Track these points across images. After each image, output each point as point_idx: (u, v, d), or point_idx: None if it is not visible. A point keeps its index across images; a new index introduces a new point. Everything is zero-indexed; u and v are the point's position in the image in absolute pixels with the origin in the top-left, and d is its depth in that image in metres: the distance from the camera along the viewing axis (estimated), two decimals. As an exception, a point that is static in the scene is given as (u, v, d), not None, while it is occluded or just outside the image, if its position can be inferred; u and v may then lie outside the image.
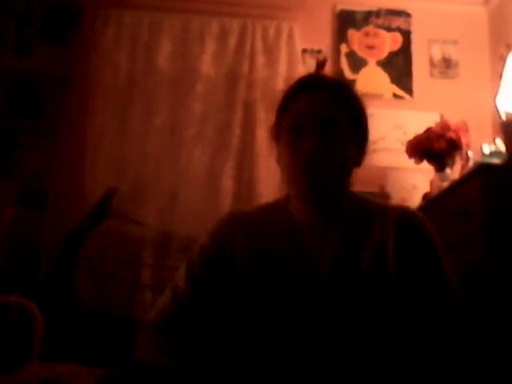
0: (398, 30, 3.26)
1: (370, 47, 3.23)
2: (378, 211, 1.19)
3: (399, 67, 3.20)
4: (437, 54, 3.25)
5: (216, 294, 1.16)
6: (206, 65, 3.08)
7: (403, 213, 1.19)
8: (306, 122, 1.14)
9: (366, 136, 1.26)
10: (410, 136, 2.74)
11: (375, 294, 1.09)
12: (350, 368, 1.06)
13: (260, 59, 3.08)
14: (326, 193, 1.15)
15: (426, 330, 1.08)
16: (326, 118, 1.14)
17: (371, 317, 1.08)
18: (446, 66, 3.23)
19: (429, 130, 2.63)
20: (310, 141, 1.12)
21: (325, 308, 1.09)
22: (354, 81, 3.16)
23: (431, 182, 2.66)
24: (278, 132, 1.20)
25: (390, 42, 3.24)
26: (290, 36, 3.13)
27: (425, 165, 2.67)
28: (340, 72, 3.16)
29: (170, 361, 1.11)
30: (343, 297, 1.09)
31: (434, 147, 2.57)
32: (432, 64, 3.24)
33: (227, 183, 2.91)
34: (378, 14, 3.26)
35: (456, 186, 2.12)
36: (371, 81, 3.19)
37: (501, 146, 2.30)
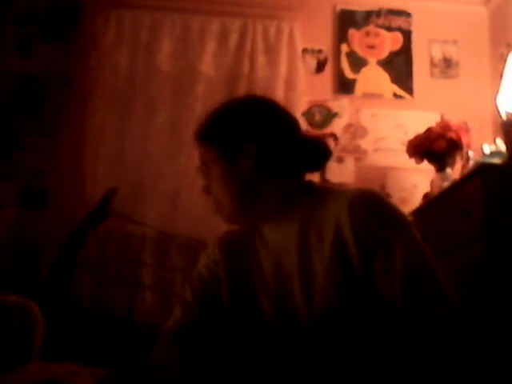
0: (399, 29, 3.25)
1: (371, 47, 3.23)
2: (332, 198, 1.12)
3: (400, 67, 3.20)
4: (437, 53, 3.24)
5: (218, 310, 1.20)
6: (207, 64, 3.08)
7: (355, 195, 1.08)
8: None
9: (234, 146, 1.16)
10: (411, 136, 2.73)
11: (341, 299, 1.04)
12: (334, 376, 1.05)
13: (260, 59, 3.08)
14: (246, 215, 1.18)
15: (409, 329, 0.99)
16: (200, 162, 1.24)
17: (344, 324, 1.04)
18: (446, 66, 3.23)
19: (429, 130, 2.63)
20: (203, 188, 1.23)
21: (295, 326, 1.09)
22: (354, 80, 3.16)
23: (432, 182, 2.66)
24: None
25: (390, 42, 3.24)
26: (291, 36, 3.12)
27: (425, 165, 2.66)
28: (340, 72, 3.17)
29: (177, 367, 1.14)
30: (310, 312, 1.07)
31: (434, 147, 2.57)
32: (432, 64, 3.23)
33: (227, 183, 2.91)
34: (378, 13, 3.26)
35: (456, 185, 2.12)
36: (372, 81, 3.19)
37: (501, 145, 2.30)
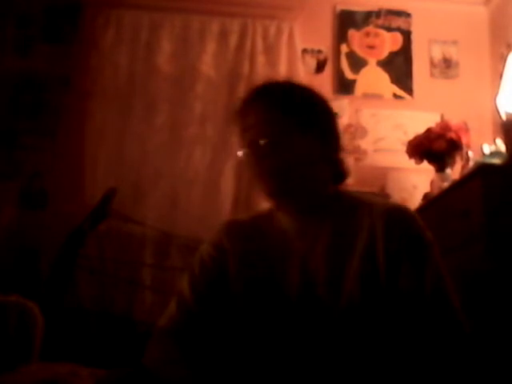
0: (399, 30, 3.25)
1: (371, 47, 3.23)
2: (366, 208, 1.15)
3: (399, 67, 3.20)
4: (437, 54, 3.25)
5: (219, 301, 1.18)
6: (207, 65, 3.08)
7: (392, 210, 1.14)
8: (255, 134, 1.14)
9: (326, 132, 1.18)
10: (411, 136, 2.74)
11: (365, 303, 1.08)
12: (343, 376, 1.06)
13: (260, 59, 3.08)
14: (295, 193, 1.14)
15: (420, 342, 1.05)
16: (269, 123, 1.13)
17: (362, 326, 1.07)
18: (446, 66, 3.23)
19: (429, 130, 2.63)
20: (262, 150, 1.12)
21: (315, 319, 1.09)
22: (354, 81, 3.16)
23: (431, 182, 2.66)
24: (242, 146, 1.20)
25: (390, 42, 3.24)
26: (291, 36, 3.12)
27: (425, 165, 2.67)
28: (340, 72, 3.17)
29: (174, 367, 1.13)
30: (334, 307, 1.09)
31: (434, 147, 2.57)
32: (432, 64, 3.24)
33: (227, 183, 2.91)
34: (378, 14, 3.26)
35: (456, 186, 2.12)
36: (371, 81, 3.19)
37: (501, 146, 2.30)
